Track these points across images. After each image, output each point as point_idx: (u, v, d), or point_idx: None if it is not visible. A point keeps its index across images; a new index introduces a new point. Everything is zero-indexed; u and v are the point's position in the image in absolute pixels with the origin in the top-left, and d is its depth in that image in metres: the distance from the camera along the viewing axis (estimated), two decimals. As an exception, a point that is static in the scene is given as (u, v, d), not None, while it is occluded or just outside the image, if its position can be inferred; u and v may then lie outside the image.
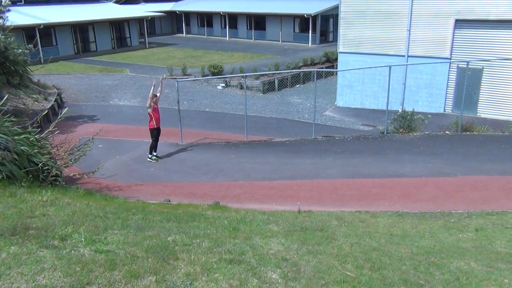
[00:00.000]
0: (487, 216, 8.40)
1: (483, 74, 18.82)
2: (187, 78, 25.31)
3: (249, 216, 7.75)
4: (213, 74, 26.49)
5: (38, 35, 31.38)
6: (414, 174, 10.91)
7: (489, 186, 10.03)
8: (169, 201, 9.35)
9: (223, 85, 26.00)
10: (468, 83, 17.04)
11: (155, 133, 12.67)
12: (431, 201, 9.37)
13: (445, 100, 19.93)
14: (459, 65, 18.99)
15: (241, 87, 24.70)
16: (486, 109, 18.82)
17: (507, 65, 18.05)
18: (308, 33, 40.97)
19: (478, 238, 7.21)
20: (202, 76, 26.06)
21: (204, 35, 49.93)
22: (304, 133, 15.11)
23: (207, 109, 20.63)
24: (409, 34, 20.06)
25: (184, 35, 51.73)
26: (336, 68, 26.17)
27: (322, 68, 30.17)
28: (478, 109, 19.09)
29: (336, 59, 26.48)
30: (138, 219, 6.76)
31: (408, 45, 20.27)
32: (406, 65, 19.84)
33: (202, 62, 30.82)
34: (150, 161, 12.64)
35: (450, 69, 19.68)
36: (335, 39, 31.85)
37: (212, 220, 7.24)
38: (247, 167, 12.05)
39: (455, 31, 19.06)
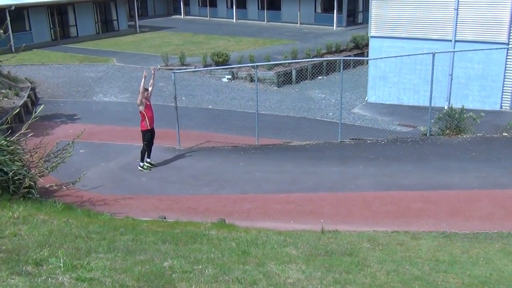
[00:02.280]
0: (556, 238, 8.28)
1: (549, 63, 18.61)
2: (185, 68, 25.43)
3: (261, 236, 7.74)
4: (217, 64, 26.59)
5: (8, 19, 31.81)
6: (464, 186, 10.81)
7: (558, 201, 9.89)
8: (165, 218, 9.38)
9: (229, 77, 26.07)
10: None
11: (148, 136, 12.73)
12: (486, 219, 9.27)
13: (502, 95, 19.72)
14: (518, 52, 18.83)
15: (251, 79, 24.75)
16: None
17: None
18: (333, 13, 40.94)
19: (545, 265, 7.10)
20: (204, 67, 26.19)
21: (207, 17, 50.19)
22: (328, 135, 15.08)
23: (210, 106, 20.69)
24: (457, 14, 19.94)
25: (182, 16, 52.07)
26: (367, 56, 26.05)
27: (349, 56, 30.10)
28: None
29: (366, 45, 26.36)
30: (127, 240, 6.79)
31: (456, 28, 20.14)
32: (453, 51, 19.70)
33: (204, 50, 30.95)
34: (141, 170, 12.70)
35: (508, 57, 19.49)
36: (366, 21, 31.74)
37: (216, 242, 7.24)
38: (258, 177, 12.04)
39: (515, 10, 18.90)
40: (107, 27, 40.42)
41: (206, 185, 11.68)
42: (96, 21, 39.39)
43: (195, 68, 25.88)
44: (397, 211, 9.83)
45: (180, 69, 24.30)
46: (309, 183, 11.51)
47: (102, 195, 11.05)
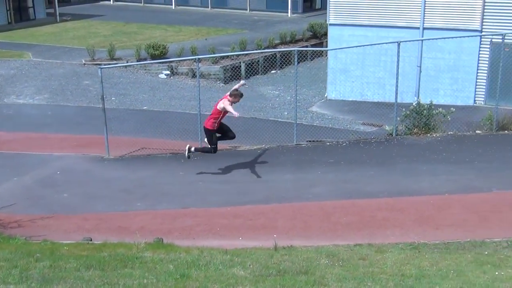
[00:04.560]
0: (533, 245, 8.67)
1: (527, 51, 19.42)
2: (115, 63, 25.15)
3: (204, 256, 7.76)
4: (153, 57, 26.43)
5: None
6: (434, 191, 11.12)
7: (535, 204, 10.35)
8: (90, 240, 9.26)
9: (168, 72, 25.95)
10: (506, 64, 17.51)
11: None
12: (458, 227, 9.57)
13: (475, 88, 20.46)
14: (492, 40, 19.56)
15: (194, 75, 24.71)
16: (531, 99, 19.39)
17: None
18: (287, -2, 41.44)
19: (521, 275, 7.42)
20: (138, 61, 25.96)
21: (141, 3, 49.76)
22: (282, 138, 15.21)
23: (144, 107, 20.53)
24: (425, -1, 20.60)
25: (111, 3, 51.43)
26: (326, 46, 26.52)
27: (306, 46, 30.50)
28: (520, 100, 19.66)
29: (325, 34, 26.81)
30: (43, 267, 6.67)
31: (424, 14, 20.78)
32: (421, 40, 20.30)
33: (137, 41, 30.72)
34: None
35: (482, 46, 20.24)
36: (324, 7, 32.29)
37: (151, 265, 7.21)
38: (202, 188, 12.03)
39: (488, -6, 19.67)
40: (21, 16, 39.48)
41: (140, 200, 11.58)
42: (8, 8, 38.40)
43: (127, 62, 25.65)
44: (359, 221, 10.03)
45: (109, 64, 24.03)
46: (261, 194, 11.57)
47: (15, 215, 10.77)
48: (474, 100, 20.46)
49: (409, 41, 18.61)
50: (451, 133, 14.75)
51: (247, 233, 9.77)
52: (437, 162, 12.70)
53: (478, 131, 14.93)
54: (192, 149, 12.71)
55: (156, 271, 6.91)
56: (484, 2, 19.67)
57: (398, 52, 14.89)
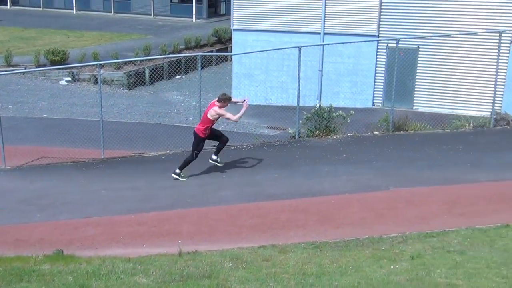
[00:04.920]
0: (426, 239, 9.12)
1: (419, 56, 20.51)
2: (12, 70, 24.17)
3: (106, 266, 7.62)
4: (54, 63, 25.66)
5: None
6: (335, 191, 11.48)
7: (428, 200, 10.91)
8: (-16, 255, 8.83)
9: (69, 79, 25.29)
10: (401, 67, 18.38)
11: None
12: (357, 225, 9.93)
13: (374, 91, 21.34)
14: (388, 45, 20.48)
15: (96, 81, 24.13)
16: (424, 101, 20.49)
17: (446, 43, 19.83)
18: (192, 3, 41.41)
19: (414, 268, 7.79)
20: (37, 67, 25.13)
21: (40, 7, 48.11)
22: (187, 143, 15.02)
23: (44, 115, 19.87)
24: (325, 5, 21.21)
25: (8, 7, 49.41)
26: (231, 52, 26.72)
27: (211, 51, 30.63)
28: (414, 101, 20.72)
29: (230, 39, 27.05)
30: None
31: (324, 20, 21.42)
32: (322, 45, 20.91)
33: (36, 47, 29.69)
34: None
35: (379, 50, 21.15)
36: (229, 12, 32.58)
37: (49, 278, 7.01)
38: (104, 197, 11.80)
39: (383, 1, 20.54)
40: None
41: (40, 211, 11.18)
42: None
43: (25, 69, 24.72)
44: (264, 223, 10.17)
45: (6, 71, 23.05)
46: (166, 200, 11.50)
47: None
48: (373, 103, 21.31)
49: (310, 46, 19.09)
50: (351, 134, 15.29)
51: (151, 240, 9.66)
52: (338, 163, 13.12)
53: (376, 132, 15.58)
54: (177, 171, 12.43)
55: (54, 283, 6.72)
56: (381, 8, 20.57)
57: (299, 56, 15.26)
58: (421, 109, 20.15)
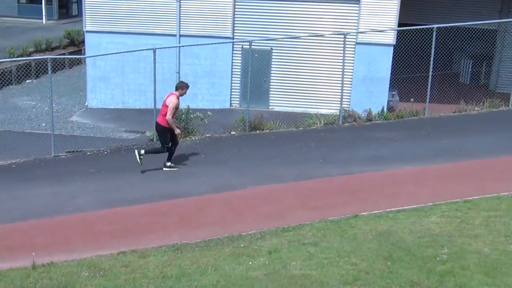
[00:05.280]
0: (283, 234, 9.51)
1: (273, 57, 21.19)
2: None
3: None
4: None
5: None
6: (194, 192, 11.58)
7: (284, 196, 11.36)
8: None
9: None
10: (255, 68, 18.94)
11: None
12: (217, 224, 10.10)
13: (231, 92, 21.70)
14: (243, 46, 20.93)
15: None
16: (279, 101, 21.22)
17: (297, 45, 20.67)
18: (41, 4, 39.52)
19: (271, 262, 8.11)
20: None
21: None
22: (39, 151, 14.51)
23: None
24: (180, 7, 21.21)
25: None
26: (84, 54, 25.86)
27: (63, 54, 29.47)
28: (270, 101, 21.39)
29: (83, 42, 26.15)
30: None
31: (180, 22, 21.41)
32: (178, 46, 20.90)
33: None
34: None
35: (234, 52, 21.54)
36: (81, 13, 31.48)
37: None
38: None
39: (237, 3, 20.95)
40: None
41: None
42: None
43: None
44: (123, 229, 10.01)
45: None
46: (17, 211, 10.91)
47: None
48: (230, 103, 21.67)
49: (165, 48, 19.06)
50: (209, 135, 15.50)
51: (1, 255, 9.12)
52: (197, 164, 13.25)
53: (233, 132, 15.91)
54: (142, 151, 12.51)
55: None
56: (234, 11, 20.96)
57: (155, 59, 15.18)
58: (276, 109, 20.83)
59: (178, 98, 12.48)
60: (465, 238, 8.70)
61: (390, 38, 19.59)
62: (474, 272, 7.23)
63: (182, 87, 12.60)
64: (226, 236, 9.48)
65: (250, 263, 8.05)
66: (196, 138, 15.11)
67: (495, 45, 23.75)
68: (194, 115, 15.12)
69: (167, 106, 12.27)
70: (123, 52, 19.63)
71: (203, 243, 9.22)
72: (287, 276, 7.42)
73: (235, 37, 21.09)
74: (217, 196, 11.41)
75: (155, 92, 15.19)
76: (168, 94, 12.60)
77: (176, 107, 12.49)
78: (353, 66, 19.99)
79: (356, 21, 19.92)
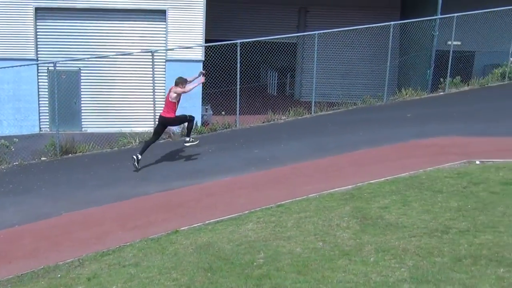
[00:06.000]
0: (102, 258, 9.24)
1: (81, 78, 20.61)
2: None
3: None
4: None
5: None
6: (4, 225, 10.85)
7: (102, 219, 11.08)
8: None
9: None
10: (63, 90, 18.30)
11: None
12: (31, 257, 9.52)
13: (40, 116, 20.67)
14: (49, 68, 20.08)
15: None
16: (92, 122, 20.70)
17: (107, 64, 20.35)
18: None
19: (91, 289, 7.85)
20: None
21: None
22: None
23: None
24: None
25: None
26: None
27: None
28: (82, 123, 20.76)
29: None
30: None
31: (-22, 45, 19.98)
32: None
33: None
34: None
35: (40, 74, 20.59)
36: None
37: None
38: None
39: (38, 24, 20.07)
40: None
41: None
42: None
43: None
44: None
45: None
46: None
47: None
48: (40, 128, 20.64)
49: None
50: (17, 163, 14.65)
51: None
52: (3, 195, 12.43)
53: (43, 158, 15.20)
54: (187, 139, 14.19)
55: None
56: (36, 31, 20.06)
57: None
58: (90, 130, 20.28)
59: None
60: (279, 241, 9.13)
61: (199, 54, 20.09)
62: (288, 272, 7.60)
63: (182, 82, 13.49)
64: (41, 267, 8.98)
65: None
66: (3, 167, 14.18)
67: (296, 57, 25.51)
68: (-1, 143, 14.21)
69: (171, 102, 13.46)
70: None
71: (16, 279, 8.65)
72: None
73: (39, 58, 20.20)
74: (29, 226, 10.79)
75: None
76: (170, 89, 13.77)
77: (176, 101, 13.63)
78: (165, 83, 20.14)
79: (165, 39, 20.16)
